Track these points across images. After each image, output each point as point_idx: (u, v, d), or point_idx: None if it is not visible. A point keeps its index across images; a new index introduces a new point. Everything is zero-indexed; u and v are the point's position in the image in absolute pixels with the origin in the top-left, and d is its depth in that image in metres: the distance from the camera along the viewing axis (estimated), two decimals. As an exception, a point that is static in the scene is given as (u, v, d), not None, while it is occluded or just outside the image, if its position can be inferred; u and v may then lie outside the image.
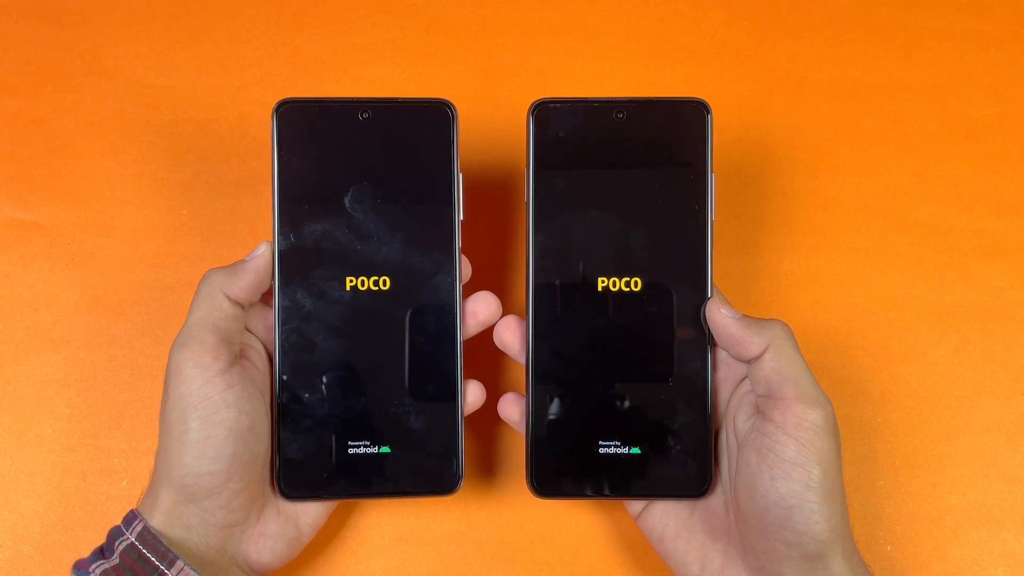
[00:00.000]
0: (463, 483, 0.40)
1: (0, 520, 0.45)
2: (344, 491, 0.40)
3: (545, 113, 0.40)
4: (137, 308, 0.48)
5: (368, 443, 0.40)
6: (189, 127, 0.50)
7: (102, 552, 0.37)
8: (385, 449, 0.40)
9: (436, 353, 0.40)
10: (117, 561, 0.36)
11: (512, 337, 0.41)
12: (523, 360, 0.41)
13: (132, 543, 0.36)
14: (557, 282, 0.40)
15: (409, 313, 0.40)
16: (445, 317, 0.40)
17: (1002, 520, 0.45)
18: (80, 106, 0.51)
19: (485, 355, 0.47)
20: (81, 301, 0.48)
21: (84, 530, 0.45)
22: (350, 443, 0.40)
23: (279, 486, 0.40)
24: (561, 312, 0.40)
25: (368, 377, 0.40)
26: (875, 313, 0.48)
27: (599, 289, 0.40)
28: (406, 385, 0.40)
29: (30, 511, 0.45)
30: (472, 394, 0.41)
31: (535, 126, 0.40)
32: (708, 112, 0.40)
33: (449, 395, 0.40)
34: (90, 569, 0.36)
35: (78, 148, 0.50)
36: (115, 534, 0.37)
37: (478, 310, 0.41)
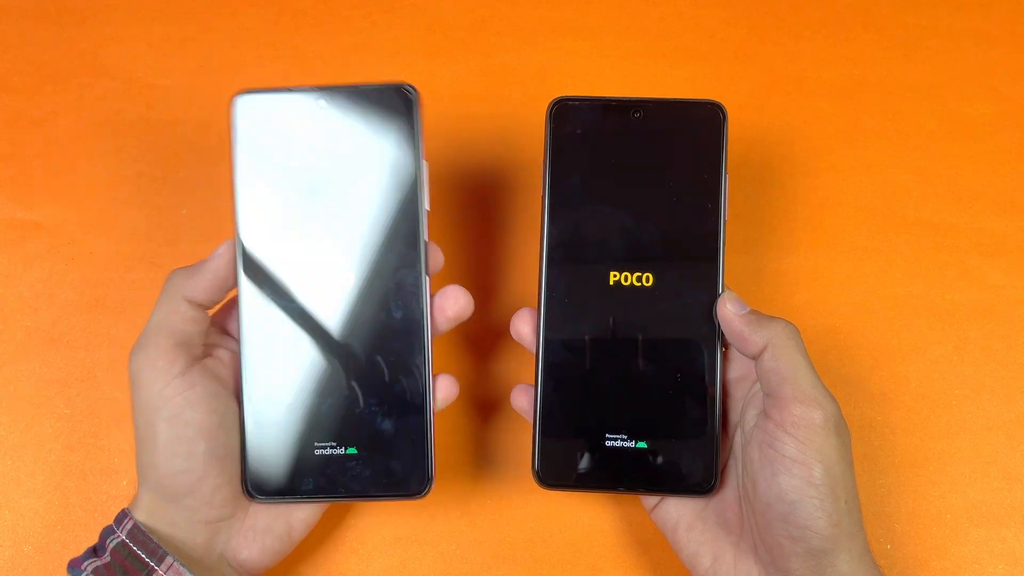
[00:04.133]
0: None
1: (0, 520, 0.45)
2: (310, 492, 0.39)
3: (563, 110, 0.41)
4: (137, 308, 0.48)
5: (334, 444, 0.39)
6: (189, 127, 0.50)
7: (94, 551, 0.37)
8: (352, 450, 0.39)
9: (402, 349, 0.39)
10: (108, 559, 0.36)
11: (527, 329, 0.41)
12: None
13: (122, 540, 0.36)
14: (568, 276, 0.40)
15: (374, 308, 0.39)
16: (410, 311, 0.39)
17: (1002, 518, 0.45)
18: (80, 106, 0.51)
19: (481, 347, 0.47)
20: (81, 301, 0.48)
21: (84, 530, 0.45)
22: (316, 443, 0.39)
23: (244, 487, 0.39)
24: (571, 305, 0.40)
25: (334, 376, 0.39)
26: (875, 312, 0.48)
27: (611, 283, 0.40)
28: (373, 384, 0.39)
29: (30, 511, 0.45)
30: (444, 389, 0.40)
31: (553, 123, 0.41)
32: (724, 115, 0.40)
33: (417, 394, 0.39)
34: (82, 567, 0.36)
35: (78, 148, 0.50)
36: (107, 532, 0.37)
37: (446, 306, 0.39)
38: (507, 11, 0.53)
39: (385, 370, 0.39)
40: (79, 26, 0.52)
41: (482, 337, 0.47)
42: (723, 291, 0.40)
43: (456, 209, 0.49)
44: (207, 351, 0.39)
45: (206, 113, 0.51)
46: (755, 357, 0.38)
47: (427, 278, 0.39)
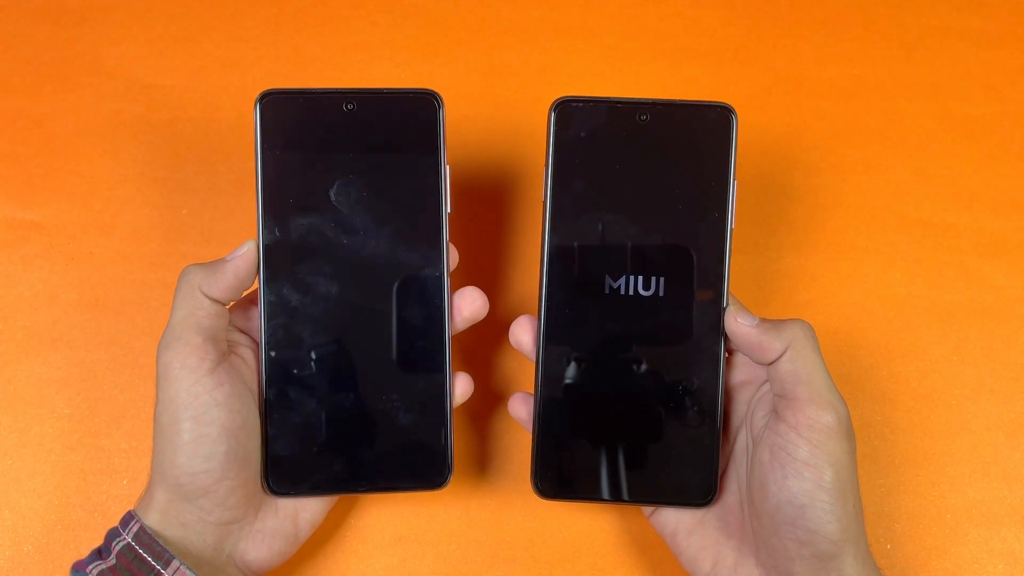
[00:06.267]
0: (453, 477, 0.40)
1: (0, 520, 0.45)
2: (333, 486, 0.40)
3: (566, 112, 0.39)
4: (137, 308, 0.48)
5: (356, 438, 0.40)
6: (189, 127, 0.50)
7: (99, 553, 0.37)
8: (374, 444, 0.40)
9: (424, 347, 0.40)
10: (114, 562, 0.36)
11: (527, 337, 0.40)
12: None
13: (129, 543, 0.36)
14: (570, 283, 0.39)
15: (396, 307, 0.40)
16: (432, 311, 0.40)
17: (1002, 518, 0.45)
18: (80, 106, 0.51)
19: (481, 349, 0.47)
20: (81, 301, 0.48)
21: (84, 530, 0.44)
22: (337, 438, 0.39)
23: (266, 482, 0.39)
24: (573, 314, 0.40)
25: (356, 371, 0.40)
26: (874, 312, 0.48)
27: (612, 292, 0.39)
28: (394, 379, 0.40)
29: (30, 511, 0.45)
30: (460, 386, 0.41)
31: (556, 124, 0.39)
32: (734, 118, 0.39)
33: (437, 389, 0.40)
34: (87, 570, 0.36)
35: (78, 148, 0.50)
36: (112, 535, 0.37)
37: (463, 306, 0.40)
38: (508, 11, 0.53)
39: (407, 365, 0.40)
40: (79, 26, 0.52)
41: (483, 337, 0.47)
42: (728, 304, 0.39)
43: (456, 210, 0.49)
44: (230, 348, 0.39)
45: (206, 113, 0.51)
46: (772, 363, 0.38)
47: (448, 278, 0.40)
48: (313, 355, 0.39)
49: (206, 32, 0.52)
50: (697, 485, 0.39)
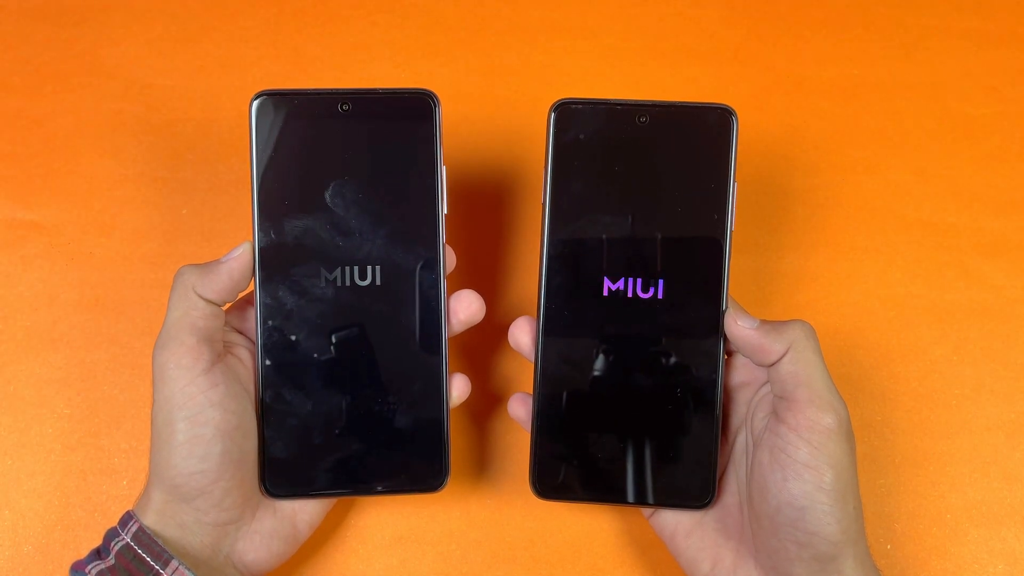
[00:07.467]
0: (452, 478, 0.40)
1: (0, 520, 0.45)
2: (329, 488, 0.40)
3: (566, 113, 0.39)
4: (137, 308, 0.48)
5: (353, 440, 0.39)
6: (189, 127, 0.50)
7: (98, 553, 0.37)
8: (370, 446, 0.39)
9: (421, 349, 0.40)
10: (113, 562, 0.36)
11: (526, 338, 0.40)
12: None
13: (127, 543, 0.36)
14: (569, 285, 0.39)
15: (393, 308, 0.39)
16: (429, 312, 0.39)
17: (1002, 518, 0.45)
18: (80, 106, 0.51)
19: (480, 349, 0.47)
20: (81, 301, 0.48)
21: (84, 530, 0.45)
22: (334, 440, 0.39)
23: (263, 484, 0.39)
24: (571, 316, 0.40)
25: (352, 374, 0.39)
26: (874, 312, 0.48)
27: (611, 294, 0.39)
28: (391, 381, 0.40)
29: (30, 511, 0.45)
30: (457, 388, 0.40)
31: (555, 126, 0.39)
32: (734, 120, 0.39)
33: (434, 391, 0.40)
34: (86, 570, 0.36)
35: (78, 148, 0.50)
36: (111, 535, 0.37)
37: (459, 309, 0.40)
38: (507, 11, 0.53)
39: (404, 368, 0.40)
40: (79, 26, 0.52)
41: (482, 337, 0.47)
42: (728, 307, 0.39)
43: (455, 210, 0.49)
44: (227, 348, 0.39)
45: (206, 113, 0.51)
46: (772, 364, 0.38)
47: (445, 280, 0.40)
48: (309, 357, 0.39)
49: (206, 32, 0.52)
50: (696, 487, 0.39)
